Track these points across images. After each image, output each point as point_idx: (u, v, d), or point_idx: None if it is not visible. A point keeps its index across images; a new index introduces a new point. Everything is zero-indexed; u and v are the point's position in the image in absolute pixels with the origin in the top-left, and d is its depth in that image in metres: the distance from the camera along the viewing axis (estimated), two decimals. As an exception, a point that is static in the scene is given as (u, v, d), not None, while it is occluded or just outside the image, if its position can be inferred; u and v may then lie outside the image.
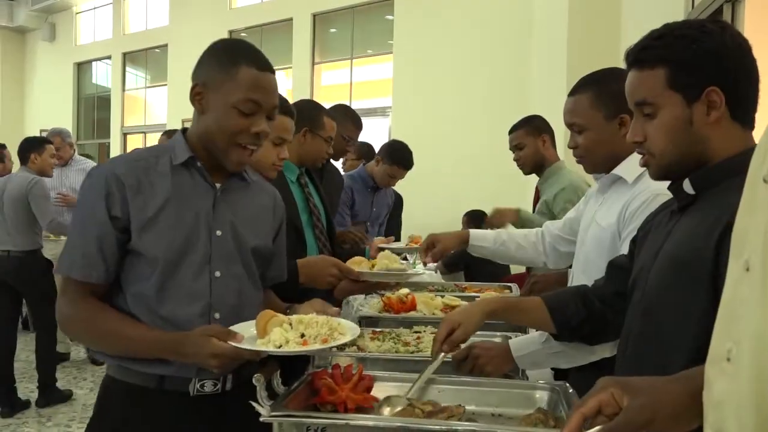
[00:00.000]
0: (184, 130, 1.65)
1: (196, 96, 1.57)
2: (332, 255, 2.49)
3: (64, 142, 5.82)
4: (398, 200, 5.00)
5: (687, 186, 1.30)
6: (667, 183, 1.40)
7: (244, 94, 1.52)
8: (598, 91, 1.87)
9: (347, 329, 1.49)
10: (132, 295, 1.53)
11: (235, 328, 1.47)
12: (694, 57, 1.24)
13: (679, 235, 1.28)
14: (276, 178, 2.57)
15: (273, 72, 1.60)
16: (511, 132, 3.33)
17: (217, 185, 1.61)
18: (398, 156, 4.07)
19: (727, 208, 1.15)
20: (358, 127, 3.39)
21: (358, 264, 2.13)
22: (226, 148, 1.55)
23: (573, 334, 1.65)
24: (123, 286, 1.55)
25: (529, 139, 3.24)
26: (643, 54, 1.31)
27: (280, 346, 1.39)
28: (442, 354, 1.59)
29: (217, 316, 1.56)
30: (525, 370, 1.85)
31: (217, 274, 1.57)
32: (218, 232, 1.57)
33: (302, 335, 1.42)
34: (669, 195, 1.59)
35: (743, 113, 1.26)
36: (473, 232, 2.43)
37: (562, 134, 2.74)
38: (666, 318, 1.25)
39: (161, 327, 1.51)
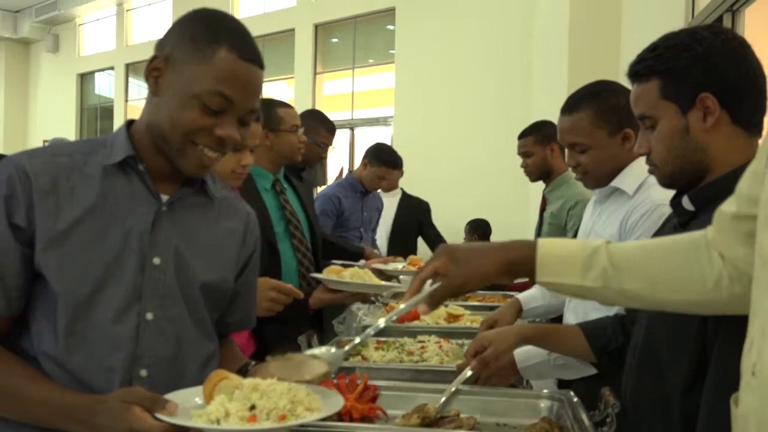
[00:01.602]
0: (131, 123, 1.28)
1: (152, 71, 1.20)
2: (316, 264, 2.42)
3: None
4: (425, 208, 4.99)
5: (686, 202, 1.29)
6: (669, 193, 1.40)
7: (215, 85, 1.16)
8: (597, 108, 1.85)
9: (320, 403, 1.09)
10: (37, 337, 1.18)
11: (178, 394, 1.11)
12: (685, 65, 1.24)
13: None
14: (245, 187, 2.38)
15: (260, 66, 1.24)
16: (520, 137, 3.29)
17: (164, 197, 1.24)
18: (385, 157, 4.02)
19: None
20: (331, 131, 3.28)
21: (336, 273, 2.04)
22: (180, 147, 1.18)
23: (612, 359, 1.61)
24: (30, 322, 1.18)
25: (537, 147, 3.20)
26: (638, 67, 1.32)
27: (217, 421, 1.02)
28: (468, 368, 1.58)
29: (143, 373, 1.19)
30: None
31: (149, 316, 1.20)
32: (156, 260, 1.20)
33: (252, 407, 1.04)
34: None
35: (745, 118, 1.24)
36: (522, 297, 2.30)
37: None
38: (665, 334, 1.26)
39: (69, 385, 1.14)
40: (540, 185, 3.39)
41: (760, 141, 1.27)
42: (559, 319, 2.24)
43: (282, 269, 2.31)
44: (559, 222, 3.08)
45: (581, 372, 1.77)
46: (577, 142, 1.89)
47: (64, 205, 1.16)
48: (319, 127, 3.21)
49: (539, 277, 1.15)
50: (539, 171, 3.25)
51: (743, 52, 1.24)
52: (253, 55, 1.21)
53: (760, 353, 0.77)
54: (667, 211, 1.55)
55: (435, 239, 4.88)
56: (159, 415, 1.02)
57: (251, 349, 2.03)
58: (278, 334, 2.07)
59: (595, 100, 1.86)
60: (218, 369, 1.17)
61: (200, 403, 1.09)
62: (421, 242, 5.01)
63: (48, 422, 1.12)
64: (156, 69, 1.19)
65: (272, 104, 2.50)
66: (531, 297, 2.30)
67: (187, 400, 1.09)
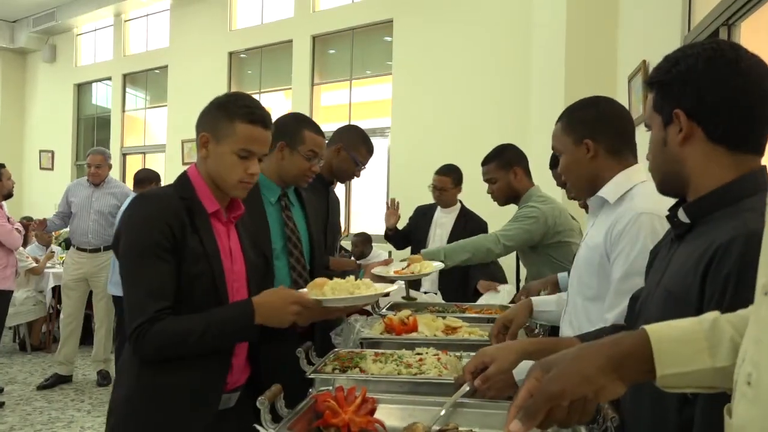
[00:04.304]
0: None
1: None
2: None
3: (106, 162, 5.82)
4: (482, 229, 4.51)
5: (682, 215, 1.32)
6: (654, 202, 1.50)
7: None
8: (568, 118, 1.96)
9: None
10: None
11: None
12: (668, 80, 1.30)
13: (674, 266, 1.29)
14: (250, 197, 2.29)
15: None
16: (483, 164, 3.34)
17: None
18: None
19: (715, 240, 1.17)
20: (370, 152, 3.25)
21: (320, 287, 1.87)
22: None
23: None
24: None
25: (501, 173, 3.27)
26: (649, 77, 1.38)
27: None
28: (466, 385, 1.56)
29: None
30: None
31: None
32: None
33: None
34: (653, 213, 1.70)
35: (725, 136, 1.26)
36: (536, 300, 2.30)
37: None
38: None
39: None
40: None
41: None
42: (555, 331, 2.25)
43: (275, 286, 2.27)
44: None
45: None
46: (553, 146, 1.99)
47: None
48: (360, 145, 3.17)
49: (661, 370, 0.94)
50: (505, 196, 3.31)
51: (728, 70, 1.24)
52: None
53: (756, 364, 0.77)
54: (652, 220, 1.69)
55: (488, 267, 4.24)
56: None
57: (247, 372, 1.94)
58: (274, 356, 1.98)
59: (569, 111, 1.97)
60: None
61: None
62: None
63: None
64: None
65: (303, 123, 2.47)
66: (544, 301, 2.31)
67: None
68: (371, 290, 1.87)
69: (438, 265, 2.84)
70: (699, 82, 1.26)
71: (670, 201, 1.46)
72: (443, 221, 4.65)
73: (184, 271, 1.71)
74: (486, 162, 3.34)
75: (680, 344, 0.94)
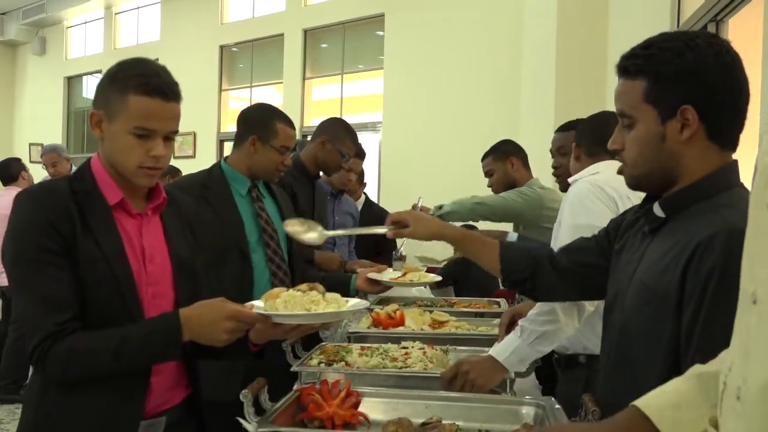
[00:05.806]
0: None
1: None
2: (292, 276, 2.34)
3: (61, 158, 5.61)
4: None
5: (657, 209, 1.29)
6: (594, 177, 1.93)
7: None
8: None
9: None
10: None
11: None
12: (673, 72, 1.22)
13: (649, 261, 1.28)
14: (220, 190, 2.32)
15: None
16: (482, 159, 3.44)
17: None
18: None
19: (694, 235, 1.17)
20: (355, 143, 3.23)
21: (274, 298, 1.54)
22: None
23: (516, 286, 1.77)
24: None
25: (498, 164, 3.36)
26: (627, 63, 1.30)
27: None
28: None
29: None
30: (514, 380, 1.85)
31: None
32: None
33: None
34: (586, 180, 2.06)
35: (721, 134, 1.24)
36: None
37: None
38: (638, 341, 1.27)
39: None
40: None
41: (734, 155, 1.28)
42: None
43: (254, 280, 2.27)
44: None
45: (556, 338, 1.81)
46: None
47: None
48: (345, 137, 3.14)
49: None
50: (504, 186, 3.37)
51: (733, 67, 1.22)
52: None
53: (745, 378, 0.72)
54: (584, 184, 2.03)
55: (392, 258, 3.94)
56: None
57: (183, 392, 1.62)
58: (217, 372, 1.74)
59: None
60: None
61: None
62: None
63: None
64: None
65: (274, 116, 2.41)
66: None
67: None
68: (332, 306, 1.52)
69: (433, 277, 2.86)
70: (712, 79, 1.20)
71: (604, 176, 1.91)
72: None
73: (80, 277, 1.45)
74: (485, 156, 3.44)
75: (681, 409, 0.86)
